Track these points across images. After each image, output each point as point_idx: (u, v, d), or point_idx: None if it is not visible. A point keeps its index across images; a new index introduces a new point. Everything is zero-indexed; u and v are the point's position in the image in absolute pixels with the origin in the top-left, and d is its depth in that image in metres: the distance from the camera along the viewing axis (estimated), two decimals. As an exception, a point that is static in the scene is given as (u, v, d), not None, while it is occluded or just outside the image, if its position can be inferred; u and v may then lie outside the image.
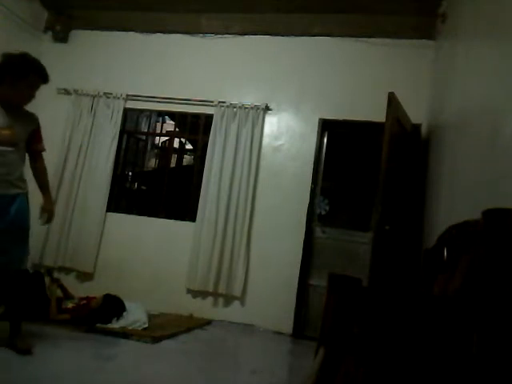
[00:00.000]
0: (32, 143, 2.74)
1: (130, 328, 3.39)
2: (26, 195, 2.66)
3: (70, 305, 3.63)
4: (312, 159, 4.60)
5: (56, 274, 4.87)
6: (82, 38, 5.37)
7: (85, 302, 3.64)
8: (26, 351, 2.54)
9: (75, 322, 3.40)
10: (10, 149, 2.55)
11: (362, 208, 5.52)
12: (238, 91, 4.85)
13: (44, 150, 2.85)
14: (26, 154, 2.76)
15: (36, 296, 3.54)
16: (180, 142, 7.19)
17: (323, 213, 5.38)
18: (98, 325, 3.37)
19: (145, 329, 3.47)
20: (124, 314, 3.55)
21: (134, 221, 4.93)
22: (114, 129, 4.99)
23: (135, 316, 3.55)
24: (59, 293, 3.78)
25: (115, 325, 3.41)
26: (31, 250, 4.73)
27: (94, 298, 3.65)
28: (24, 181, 2.68)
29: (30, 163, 2.80)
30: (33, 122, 2.76)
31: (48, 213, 2.76)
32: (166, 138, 6.56)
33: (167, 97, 4.96)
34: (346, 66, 4.70)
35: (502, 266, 1.23)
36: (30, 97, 2.65)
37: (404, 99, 3.86)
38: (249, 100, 4.77)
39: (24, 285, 2.73)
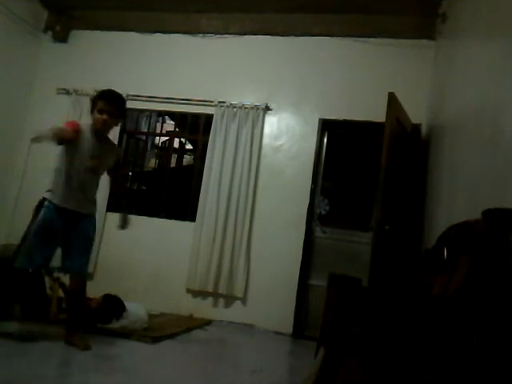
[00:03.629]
0: (113, 171, 3.10)
1: (130, 328, 3.39)
2: (94, 216, 3.03)
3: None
4: (312, 159, 4.60)
5: (56, 274, 4.86)
6: (81, 38, 5.37)
7: (85, 302, 3.63)
8: (86, 347, 2.74)
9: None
10: (92, 175, 2.91)
11: (362, 208, 5.51)
12: (238, 91, 4.84)
13: (121, 175, 3.26)
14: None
15: (36, 296, 3.54)
16: (180, 142, 7.18)
17: (323, 213, 5.38)
18: (98, 325, 3.37)
19: (145, 329, 3.46)
20: (124, 314, 3.55)
21: (134, 221, 4.89)
22: (113, 129, 4.98)
23: (135, 316, 3.55)
24: (60, 292, 3.78)
25: (115, 325, 3.41)
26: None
27: (95, 298, 3.65)
28: (95, 204, 3.04)
29: (111, 186, 3.36)
30: (116, 151, 3.14)
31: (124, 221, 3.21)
32: (166, 138, 6.56)
33: (167, 97, 4.96)
34: (345, 66, 4.70)
35: (502, 266, 1.23)
36: (102, 121, 2.85)
37: (404, 99, 3.86)
38: (249, 100, 4.77)
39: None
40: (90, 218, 2.97)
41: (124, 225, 3.18)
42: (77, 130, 2.77)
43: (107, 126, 2.92)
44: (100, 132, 2.91)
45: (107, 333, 3.25)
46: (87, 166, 2.84)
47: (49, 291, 3.70)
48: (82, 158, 2.82)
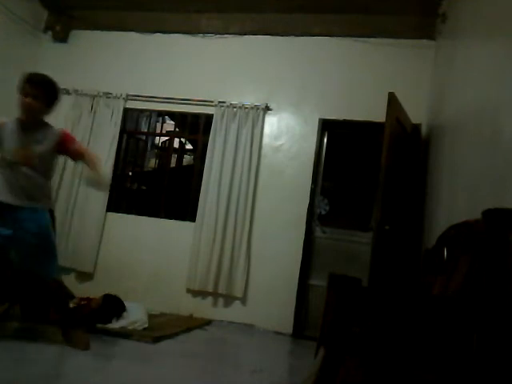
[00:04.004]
0: (65, 150, 2.87)
1: (130, 328, 3.39)
2: (47, 211, 2.76)
3: (70, 305, 3.63)
4: (312, 159, 4.60)
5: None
6: (81, 38, 5.37)
7: (85, 302, 3.64)
8: (86, 347, 2.71)
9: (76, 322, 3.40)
10: (29, 168, 2.66)
11: (362, 208, 5.52)
12: (238, 91, 4.85)
13: (78, 149, 2.92)
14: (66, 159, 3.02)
15: (36, 296, 3.54)
16: (180, 142, 7.18)
17: (323, 213, 5.38)
18: (98, 325, 3.37)
19: (145, 329, 3.46)
20: (124, 314, 3.55)
21: (134, 221, 4.93)
22: (114, 129, 5.00)
23: (135, 316, 3.55)
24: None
25: (115, 325, 3.41)
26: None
27: (94, 298, 3.65)
28: (48, 197, 2.80)
29: (76, 162, 3.15)
30: (53, 136, 2.79)
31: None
32: (166, 138, 6.56)
33: (167, 97, 4.96)
34: (346, 66, 4.70)
35: (502, 266, 1.23)
36: (26, 105, 2.66)
37: (404, 99, 3.86)
38: (249, 100, 4.77)
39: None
40: (34, 212, 2.69)
41: (96, 183, 2.98)
42: None
43: (32, 111, 2.68)
44: (26, 119, 2.70)
45: (107, 333, 3.25)
46: (14, 159, 2.64)
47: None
48: (8, 151, 2.66)
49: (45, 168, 2.77)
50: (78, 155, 2.92)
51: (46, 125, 2.81)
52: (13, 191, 2.63)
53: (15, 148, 2.66)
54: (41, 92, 2.68)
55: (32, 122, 2.73)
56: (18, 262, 2.77)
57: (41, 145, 2.72)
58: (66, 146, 2.83)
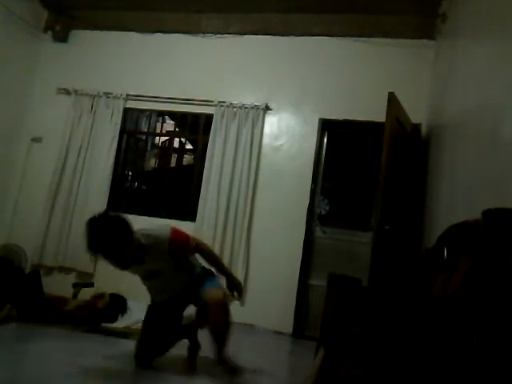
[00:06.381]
0: (181, 252, 2.63)
1: (134, 327, 3.39)
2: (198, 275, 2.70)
3: (74, 304, 3.64)
4: (312, 159, 4.60)
5: (56, 274, 4.89)
6: (81, 38, 5.37)
7: (91, 301, 3.64)
8: (233, 370, 2.55)
9: (80, 321, 3.40)
10: (156, 277, 2.63)
11: (362, 208, 5.51)
12: (238, 91, 4.84)
13: (192, 247, 2.66)
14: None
15: (33, 297, 3.54)
16: (180, 141, 7.18)
17: (323, 213, 5.37)
18: (103, 324, 3.38)
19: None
20: (128, 311, 3.57)
21: (134, 221, 4.83)
22: (113, 129, 5.00)
23: (138, 315, 3.55)
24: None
25: (119, 324, 3.42)
26: (31, 249, 4.79)
27: (101, 297, 3.64)
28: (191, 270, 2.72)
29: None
30: (161, 245, 2.53)
31: (236, 289, 2.70)
32: (166, 137, 6.56)
33: (167, 97, 4.96)
34: (346, 66, 4.70)
35: (502, 266, 1.23)
36: (115, 266, 2.48)
37: (404, 99, 3.86)
38: (249, 100, 4.77)
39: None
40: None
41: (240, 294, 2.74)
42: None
43: (125, 265, 2.51)
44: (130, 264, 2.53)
45: (108, 333, 3.25)
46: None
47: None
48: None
49: (178, 264, 2.64)
50: (194, 252, 2.72)
51: (144, 245, 2.54)
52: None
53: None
54: (110, 255, 2.40)
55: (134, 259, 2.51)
56: None
57: (154, 259, 2.55)
58: (178, 247, 2.57)
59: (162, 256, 2.53)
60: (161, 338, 2.67)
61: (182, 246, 2.59)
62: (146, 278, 2.68)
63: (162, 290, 2.70)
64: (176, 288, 2.68)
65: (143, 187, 6.56)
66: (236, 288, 2.69)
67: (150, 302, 2.80)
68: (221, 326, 2.49)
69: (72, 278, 4.72)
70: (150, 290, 2.75)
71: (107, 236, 2.32)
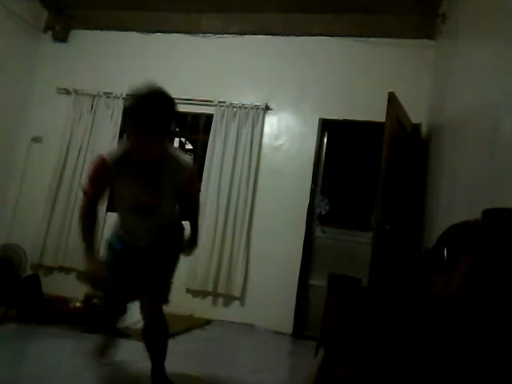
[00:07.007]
0: (183, 188, 2.24)
1: (134, 328, 3.38)
2: (173, 225, 2.33)
3: (77, 304, 3.64)
4: (312, 159, 4.60)
5: (56, 274, 4.89)
6: (81, 38, 5.37)
7: (90, 302, 3.63)
8: None
9: (81, 322, 3.40)
10: (150, 214, 2.15)
11: (362, 208, 5.51)
12: (238, 91, 4.84)
13: (196, 193, 2.46)
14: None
15: (32, 297, 3.54)
16: (180, 141, 7.17)
17: (323, 213, 5.38)
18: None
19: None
20: (128, 311, 3.57)
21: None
22: (113, 129, 4.99)
23: (138, 315, 3.55)
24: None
25: (120, 322, 3.41)
26: (31, 249, 4.79)
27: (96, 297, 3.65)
28: (171, 218, 2.32)
29: (180, 203, 2.40)
30: (182, 173, 2.14)
31: (191, 248, 2.47)
32: (166, 137, 6.55)
33: (167, 97, 4.95)
34: (346, 66, 4.70)
35: (502, 266, 1.23)
36: (145, 147, 1.93)
37: (404, 99, 3.86)
38: (249, 100, 4.77)
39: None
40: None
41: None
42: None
43: (155, 152, 1.99)
44: (147, 160, 2.03)
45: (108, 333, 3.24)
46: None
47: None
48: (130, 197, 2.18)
49: (170, 203, 2.27)
50: (186, 197, 2.39)
51: (170, 156, 2.10)
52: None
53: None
54: (162, 121, 1.90)
55: (152, 161, 2.03)
56: None
57: (167, 184, 2.12)
58: (186, 185, 2.22)
59: (174, 185, 2.14)
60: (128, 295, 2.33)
61: (194, 181, 2.35)
62: (133, 209, 2.13)
63: (135, 232, 2.22)
64: (149, 239, 2.22)
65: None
66: (191, 247, 2.45)
67: (113, 237, 2.35)
68: (156, 341, 2.22)
69: (72, 278, 4.72)
70: (124, 223, 2.26)
71: (166, 101, 1.91)
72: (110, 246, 2.34)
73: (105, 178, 2.07)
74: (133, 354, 2.74)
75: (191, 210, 2.46)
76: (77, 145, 4.99)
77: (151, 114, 1.85)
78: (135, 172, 2.03)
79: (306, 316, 4.40)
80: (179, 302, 4.51)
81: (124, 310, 2.51)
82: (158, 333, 2.23)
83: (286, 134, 4.73)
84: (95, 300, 3.77)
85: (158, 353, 2.20)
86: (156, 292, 2.24)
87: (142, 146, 1.92)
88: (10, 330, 3.11)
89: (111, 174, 2.02)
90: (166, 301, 2.28)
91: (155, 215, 2.16)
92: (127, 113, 2.02)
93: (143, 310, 2.24)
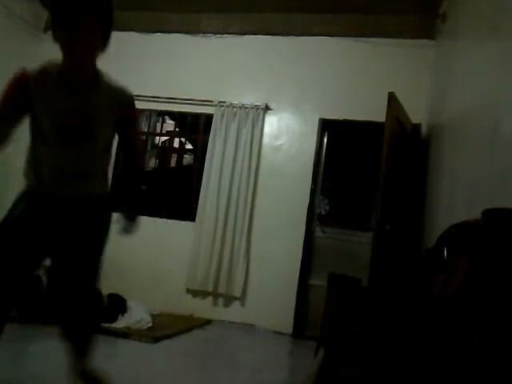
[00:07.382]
0: (122, 127, 1.89)
1: (134, 328, 3.39)
2: (104, 199, 1.91)
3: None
4: (312, 159, 4.60)
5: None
6: (82, 38, 5.36)
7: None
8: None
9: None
10: (83, 141, 1.77)
11: (362, 208, 5.52)
12: (238, 91, 4.84)
13: (135, 135, 2.07)
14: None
15: (32, 296, 3.54)
16: (180, 141, 7.17)
17: (323, 213, 5.38)
18: (103, 324, 3.38)
19: (149, 328, 3.47)
20: (128, 313, 3.57)
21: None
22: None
23: (138, 315, 3.56)
24: None
25: (120, 324, 3.42)
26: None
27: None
28: (104, 180, 1.92)
29: (120, 152, 2.04)
30: (121, 98, 1.86)
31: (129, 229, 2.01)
32: (166, 137, 6.55)
33: (167, 96, 4.96)
34: (346, 66, 4.70)
35: (502, 266, 1.23)
36: (80, 46, 1.61)
37: (404, 99, 3.86)
38: (249, 100, 4.77)
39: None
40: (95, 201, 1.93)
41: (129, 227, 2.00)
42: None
43: (90, 55, 1.71)
44: (79, 69, 1.74)
45: (107, 333, 3.25)
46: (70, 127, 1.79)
47: None
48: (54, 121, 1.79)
49: (106, 141, 1.88)
50: (125, 142, 1.98)
51: (104, 77, 1.82)
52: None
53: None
54: (100, 19, 1.60)
55: (86, 72, 1.72)
56: None
57: (104, 111, 1.79)
58: (126, 120, 1.89)
59: (111, 111, 1.80)
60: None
61: (135, 114, 1.98)
62: (59, 132, 1.72)
63: (64, 169, 1.79)
64: (70, 185, 1.81)
65: (143, 187, 6.56)
66: (129, 227, 1.99)
67: (24, 190, 2.02)
68: (80, 331, 1.98)
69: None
70: (44, 162, 1.83)
71: None
72: (11, 209, 1.91)
73: (22, 95, 1.72)
74: (133, 354, 2.75)
75: (128, 167, 2.00)
76: (77, 145, 4.98)
77: (93, 4, 1.55)
78: (64, 85, 1.67)
79: (306, 316, 4.40)
80: (179, 302, 4.54)
81: (16, 295, 1.92)
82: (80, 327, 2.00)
83: (286, 134, 4.73)
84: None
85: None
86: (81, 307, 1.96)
87: (77, 48, 1.59)
88: (10, 329, 3.11)
89: (31, 88, 1.68)
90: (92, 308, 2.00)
91: (90, 144, 1.75)
92: (54, 5, 1.64)
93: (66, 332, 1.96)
